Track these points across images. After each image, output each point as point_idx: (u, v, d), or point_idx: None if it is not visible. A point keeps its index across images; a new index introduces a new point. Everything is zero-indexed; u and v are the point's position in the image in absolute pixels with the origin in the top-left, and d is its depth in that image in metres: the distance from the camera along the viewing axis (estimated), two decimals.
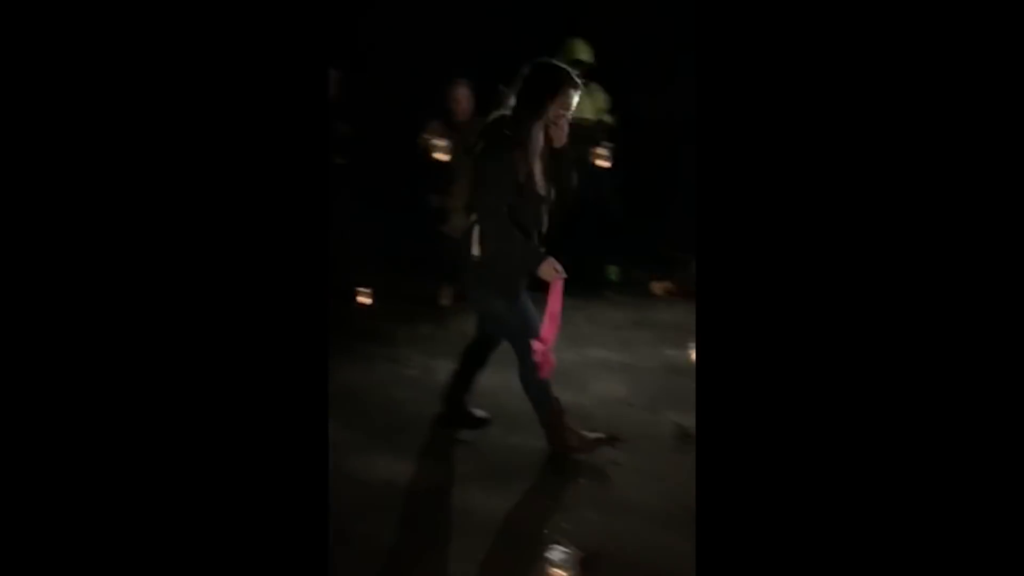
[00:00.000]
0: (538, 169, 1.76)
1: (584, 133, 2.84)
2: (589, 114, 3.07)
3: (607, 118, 3.24)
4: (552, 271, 1.72)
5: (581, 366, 2.61)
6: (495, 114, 1.82)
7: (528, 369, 1.78)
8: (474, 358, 1.99)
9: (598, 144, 3.04)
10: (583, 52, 3.12)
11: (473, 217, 1.79)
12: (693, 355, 2.78)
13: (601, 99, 3.23)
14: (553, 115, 1.70)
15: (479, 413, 2.08)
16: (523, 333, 1.78)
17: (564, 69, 1.74)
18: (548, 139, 1.74)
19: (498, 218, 1.71)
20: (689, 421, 2.15)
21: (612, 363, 2.64)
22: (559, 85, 1.70)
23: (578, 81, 1.72)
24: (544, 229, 1.86)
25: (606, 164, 3.08)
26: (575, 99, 1.73)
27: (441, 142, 2.88)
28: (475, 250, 1.75)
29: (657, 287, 3.41)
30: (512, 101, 1.74)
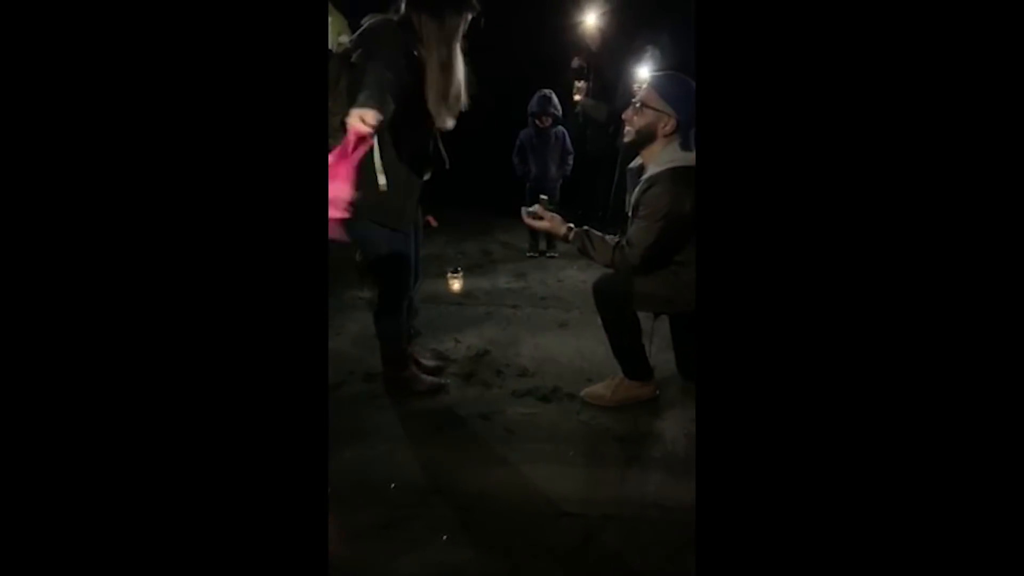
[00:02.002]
0: (434, 91, 1.59)
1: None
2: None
3: (343, 39, 3.21)
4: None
5: (336, 310, 2.67)
6: (374, 19, 1.60)
7: (381, 308, 1.79)
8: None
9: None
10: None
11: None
12: (454, 284, 3.02)
13: (339, 22, 3.03)
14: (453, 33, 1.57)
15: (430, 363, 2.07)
16: (391, 272, 1.73)
17: None
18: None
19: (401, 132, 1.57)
20: (443, 345, 2.32)
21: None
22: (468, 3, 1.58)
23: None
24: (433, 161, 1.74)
25: None
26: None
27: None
28: (381, 180, 1.58)
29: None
30: (404, 10, 1.57)
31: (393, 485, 1.40)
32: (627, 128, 1.74)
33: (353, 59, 1.55)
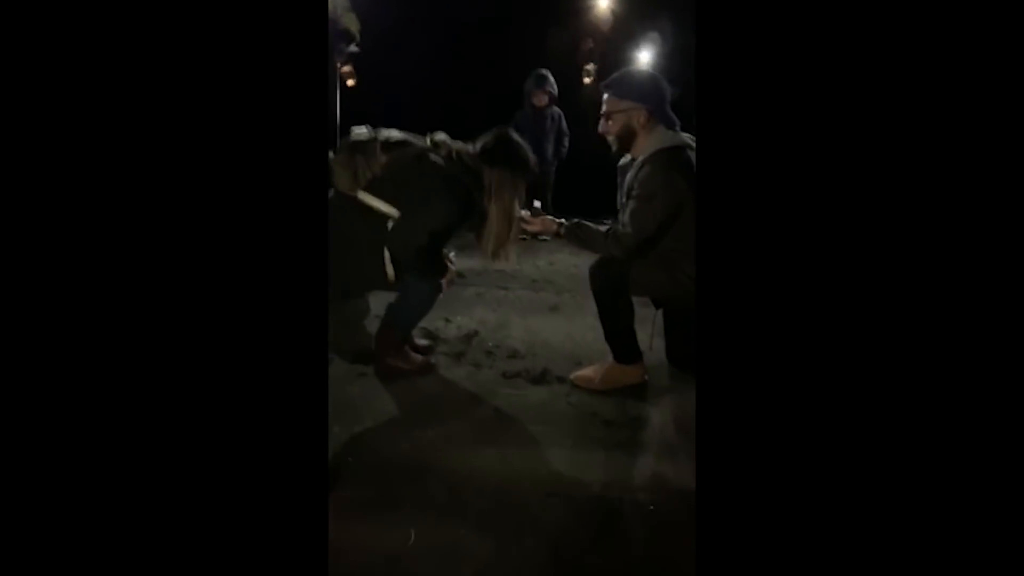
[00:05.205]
0: (492, 236, 1.82)
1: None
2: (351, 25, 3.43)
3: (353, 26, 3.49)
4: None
5: None
6: (448, 146, 1.79)
7: (400, 302, 1.83)
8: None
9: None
10: (352, 23, 3.44)
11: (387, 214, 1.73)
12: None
13: (353, 20, 3.49)
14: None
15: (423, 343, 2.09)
16: (432, 261, 1.81)
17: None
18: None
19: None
20: (433, 324, 2.29)
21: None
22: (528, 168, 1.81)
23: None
24: None
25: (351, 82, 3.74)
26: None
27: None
28: (390, 271, 1.74)
29: None
30: (476, 151, 1.79)
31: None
32: (608, 138, 1.77)
33: (428, 163, 1.73)
